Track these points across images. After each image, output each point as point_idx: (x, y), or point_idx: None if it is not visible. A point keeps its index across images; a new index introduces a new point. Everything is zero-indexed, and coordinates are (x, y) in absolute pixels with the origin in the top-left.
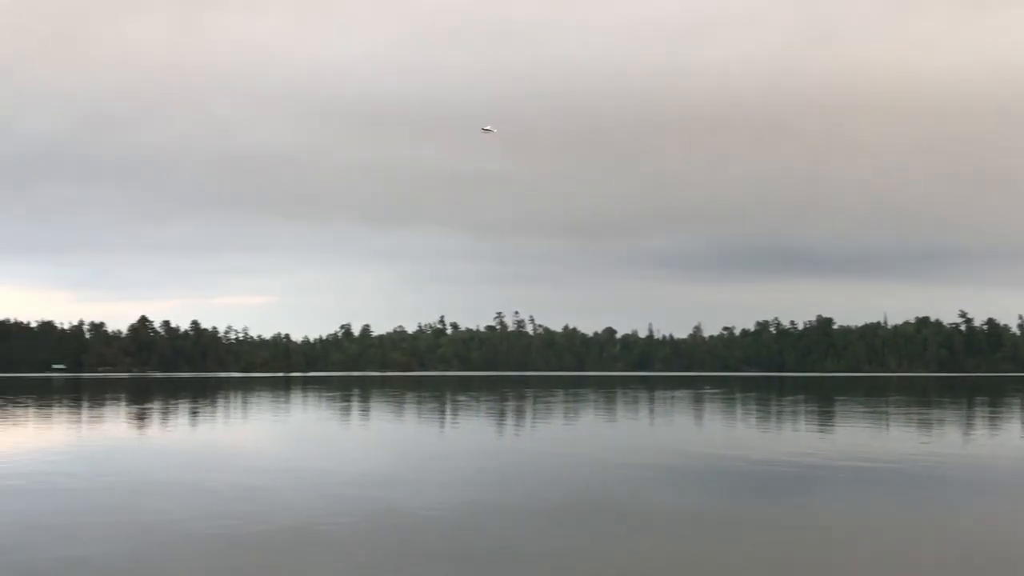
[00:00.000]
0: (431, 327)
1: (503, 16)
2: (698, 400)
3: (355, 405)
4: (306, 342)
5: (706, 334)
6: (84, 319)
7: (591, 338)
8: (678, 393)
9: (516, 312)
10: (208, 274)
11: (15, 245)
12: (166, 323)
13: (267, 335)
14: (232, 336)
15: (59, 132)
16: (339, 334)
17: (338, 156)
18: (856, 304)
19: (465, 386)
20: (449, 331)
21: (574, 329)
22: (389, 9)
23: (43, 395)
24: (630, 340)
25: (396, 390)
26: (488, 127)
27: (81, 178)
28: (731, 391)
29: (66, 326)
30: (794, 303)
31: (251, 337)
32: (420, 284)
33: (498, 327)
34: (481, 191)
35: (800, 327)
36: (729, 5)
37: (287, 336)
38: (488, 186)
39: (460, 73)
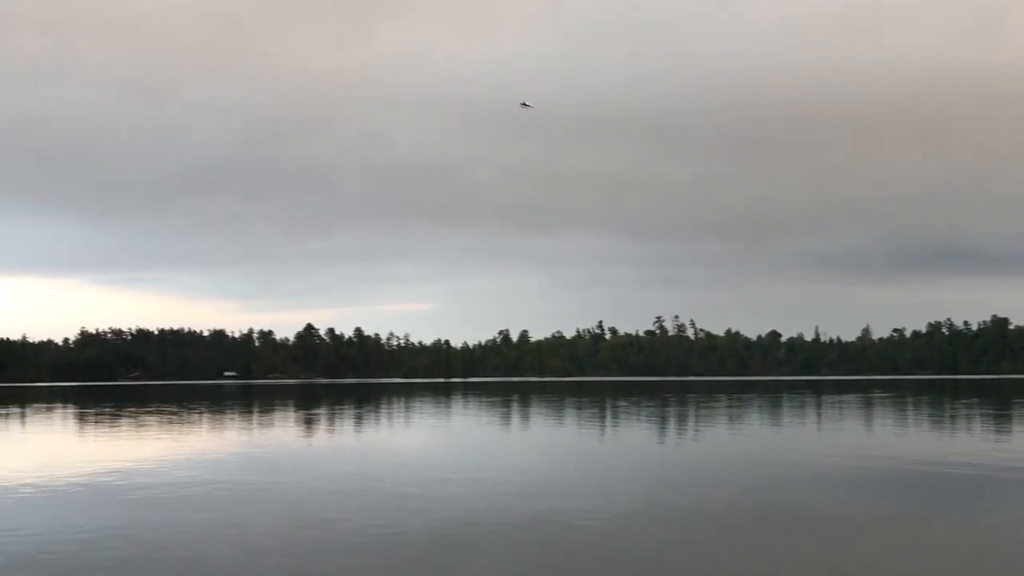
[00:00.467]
0: (589, 332)
1: (656, 16)
2: (867, 404)
3: (515, 410)
4: (465, 348)
5: (875, 336)
6: (253, 328)
7: (754, 342)
8: (846, 397)
9: (676, 316)
10: (370, 282)
11: (189, 257)
12: (331, 331)
13: (427, 341)
14: (394, 343)
15: (228, 146)
16: (498, 340)
17: (496, 162)
18: None
19: (625, 391)
20: (608, 336)
21: (736, 332)
22: (542, 14)
23: (216, 402)
24: (795, 343)
25: (555, 395)
26: (526, 102)
27: (249, 190)
28: (902, 394)
29: (236, 335)
30: (967, 303)
31: (412, 343)
32: (578, 289)
33: (658, 331)
34: (639, 193)
35: (974, 327)
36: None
37: (447, 342)
38: (646, 188)
39: (614, 75)
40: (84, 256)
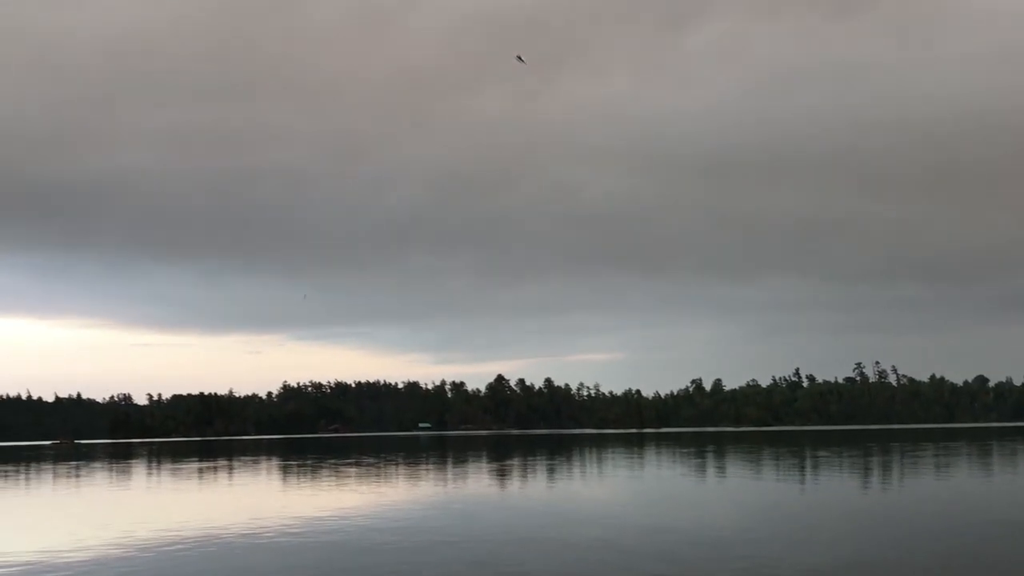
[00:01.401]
0: (786, 380)
1: (846, 58)
2: None
3: (710, 461)
4: (657, 398)
5: None
6: (446, 379)
7: (960, 387)
8: None
9: (877, 362)
10: (560, 332)
11: (384, 311)
12: (521, 381)
13: (618, 391)
14: (584, 393)
15: (421, 202)
16: (690, 389)
17: (683, 209)
18: None
19: (825, 441)
20: (805, 383)
21: (941, 378)
22: (728, 60)
23: (412, 453)
24: (1004, 388)
25: (751, 446)
26: (520, 56)
27: (441, 245)
28: None
29: (430, 386)
30: None
31: (603, 393)
32: (773, 335)
33: (858, 378)
34: (832, 236)
35: None
36: None
37: (638, 392)
38: (843, 231)
39: (806, 117)
40: (286, 313)
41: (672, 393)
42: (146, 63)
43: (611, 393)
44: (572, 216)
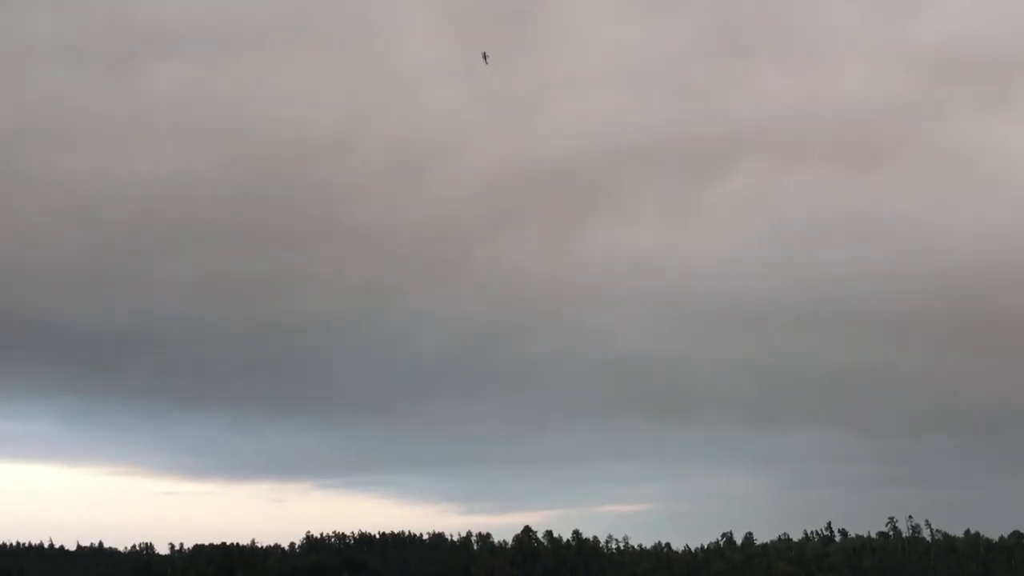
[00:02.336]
0: (818, 534)
1: (868, 209)
2: None
3: None
4: (687, 551)
5: None
6: (472, 530)
7: (997, 543)
8: None
9: (910, 516)
10: (588, 482)
11: (410, 459)
12: (549, 533)
13: (647, 544)
14: (613, 545)
15: (449, 348)
16: (721, 542)
17: (714, 358)
18: None
19: None
20: (838, 538)
21: (977, 534)
22: (753, 210)
23: None
24: None
25: None
26: (486, 55)
27: (467, 392)
28: None
29: (455, 538)
30: None
31: (632, 546)
32: (805, 488)
33: (891, 533)
34: (864, 386)
35: None
36: None
37: (668, 545)
38: (874, 382)
39: (835, 268)
40: (311, 460)
41: (702, 546)
42: (181, 210)
43: (640, 546)
44: (601, 364)
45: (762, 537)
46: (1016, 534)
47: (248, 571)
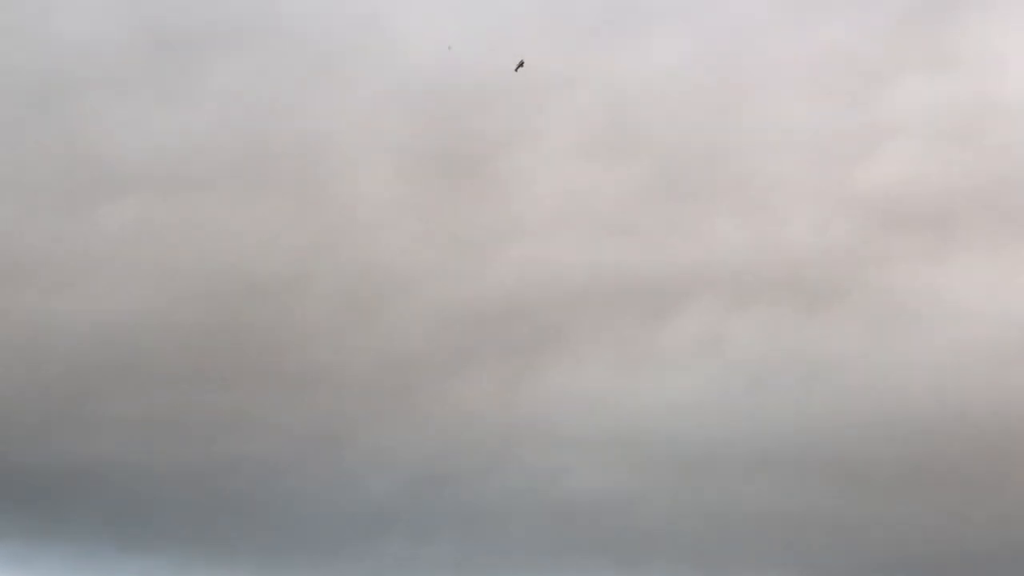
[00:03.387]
0: None
1: (815, 352)
2: None
3: None
4: None
5: None
6: None
7: None
8: None
9: None
10: None
11: None
12: None
13: None
14: None
15: (399, 490)
16: None
17: (662, 502)
18: None
19: None
20: None
21: None
22: (702, 353)
23: None
24: None
25: None
26: (520, 63)
27: (415, 535)
28: None
29: None
30: None
31: None
32: None
33: None
34: (811, 531)
35: None
36: None
37: None
38: (824, 527)
39: (777, 411)
40: None
41: None
42: (129, 350)
43: None
44: (552, 507)
45: None
46: None
47: None
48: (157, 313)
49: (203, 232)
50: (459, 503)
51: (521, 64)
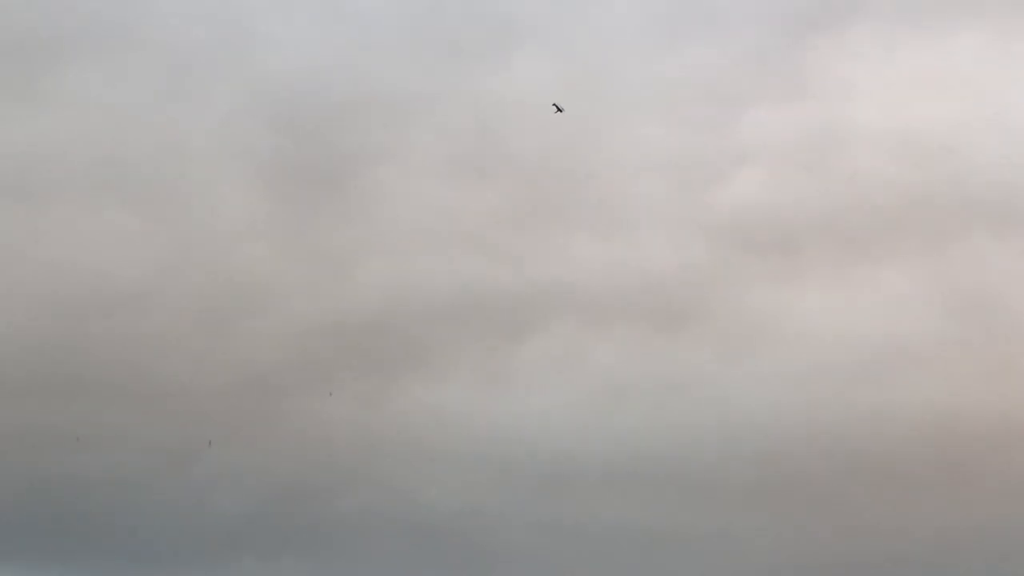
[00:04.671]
0: None
1: (672, 372)
2: None
3: None
4: None
5: None
6: None
7: None
8: None
9: None
10: None
11: None
12: None
13: None
14: None
15: (252, 507)
16: None
17: (522, 517)
18: None
19: None
20: None
21: None
22: (561, 370)
23: None
24: None
25: None
26: (558, 105)
27: (270, 551)
28: None
29: None
30: None
31: None
32: None
33: None
34: (665, 547)
35: None
36: (895, 348)
37: None
38: (672, 541)
39: (635, 428)
40: None
41: None
42: None
43: None
44: (408, 522)
45: None
46: None
47: None
48: (3, 324)
49: (51, 240)
50: (314, 520)
51: (559, 108)
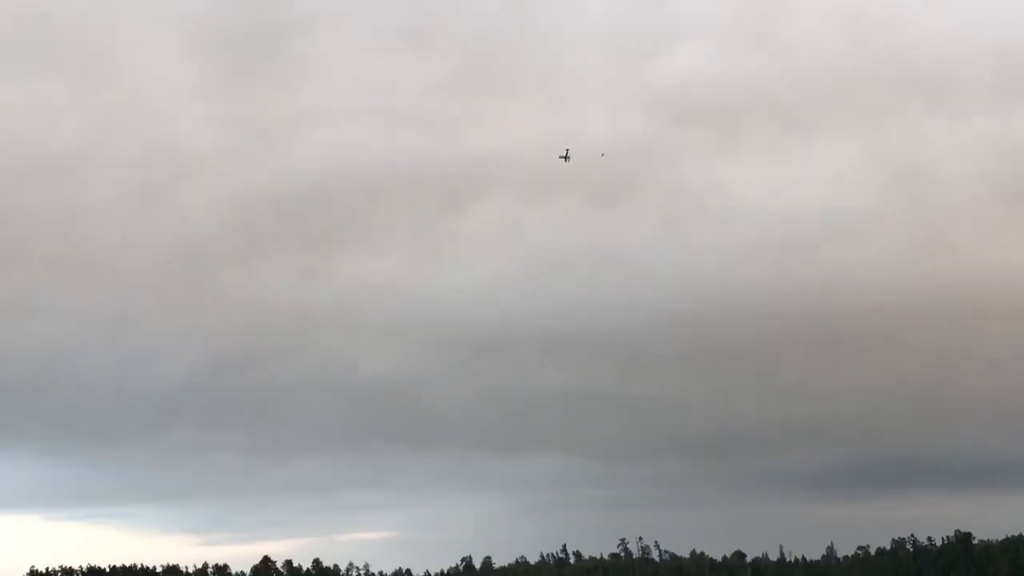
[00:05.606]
0: (554, 556)
1: (609, 242)
2: None
3: None
4: None
5: (840, 554)
6: (208, 562)
7: (720, 563)
8: None
9: (640, 538)
10: (331, 511)
11: (146, 490)
12: (288, 563)
13: (388, 570)
14: (354, 573)
15: (189, 376)
16: (460, 567)
17: (456, 386)
18: (997, 516)
19: None
20: (572, 560)
21: (702, 553)
22: (500, 241)
23: None
24: (760, 563)
25: None
26: (567, 155)
27: (206, 421)
28: None
29: (191, 569)
30: (930, 518)
31: (373, 573)
32: (543, 512)
33: (622, 554)
34: (599, 415)
35: (938, 543)
36: (827, 222)
37: (408, 571)
38: (607, 409)
39: (574, 299)
40: (40, 492)
41: (443, 572)
42: None
43: (381, 573)
44: (346, 392)
45: (500, 561)
46: (738, 554)
47: None
48: None
49: None
50: (251, 389)
51: (567, 156)
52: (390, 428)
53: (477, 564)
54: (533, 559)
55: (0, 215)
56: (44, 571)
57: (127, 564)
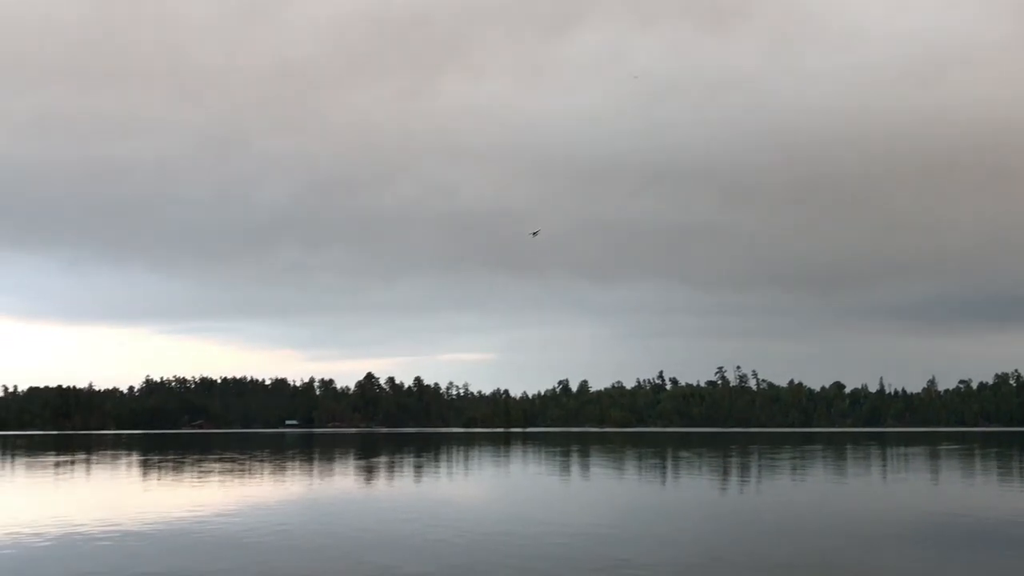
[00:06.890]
0: (650, 382)
1: (719, 70)
2: (934, 456)
3: (575, 461)
4: (525, 398)
5: (941, 388)
6: (315, 376)
7: (818, 393)
8: (911, 449)
9: (738, 367)
10: (431, 332)
11: (253, 307)
12: (391, 380)
13: (487, 391)
14: (453, 392)
15: (291, 198)
16: (557, 390)
17: (559, 212)
18: None
19: (686, 443)
20: (669, 386)
21: (800, 384)
22: (604, 67)
23: (278, 450)
24: (859, 395)
25: (615, 447)
26: (536, 231)
27: (311, 242)
28: (968, 447)
29: (298, 383)
30: None
31: (471, 393)
32: (639, 339)
33: (719, 382)
34: (702, 244)
35: None
36: (952, 48)
37: (506, 392)
38: (710, 238)
39: (677, 127)
40: (152, 306)
41: (539, 393)
42: (12, 45)
43: (480, 393)
44: (447, 216)
45: (597, 385)
46: (836, 384)
47: (86, 414)
48: (39, 5)
49: None
50: (354, 211)
51: (536, 233)
52: (490, 253)
53: (574, 388)
54: (630, 384)
55: (106, 30)
56: (159, 380)
57: (237, 377)
